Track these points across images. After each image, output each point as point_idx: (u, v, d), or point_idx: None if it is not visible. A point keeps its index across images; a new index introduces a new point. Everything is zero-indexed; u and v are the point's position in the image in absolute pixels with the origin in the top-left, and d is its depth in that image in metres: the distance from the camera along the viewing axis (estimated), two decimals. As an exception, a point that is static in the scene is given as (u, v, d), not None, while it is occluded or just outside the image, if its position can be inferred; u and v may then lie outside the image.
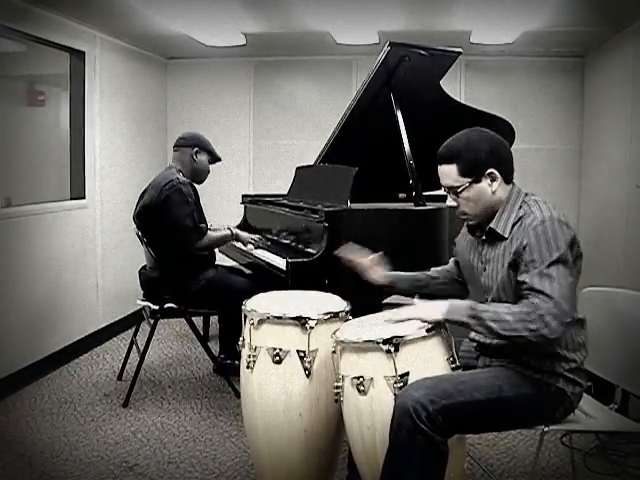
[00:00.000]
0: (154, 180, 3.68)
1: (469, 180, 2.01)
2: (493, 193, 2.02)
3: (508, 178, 2.05)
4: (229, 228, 3.78)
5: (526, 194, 2.05)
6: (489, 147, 2.02)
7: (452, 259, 2.42)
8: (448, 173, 2.04)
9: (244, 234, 3.79)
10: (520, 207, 2.01)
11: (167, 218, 3.50)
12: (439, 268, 2.47)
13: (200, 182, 3.80)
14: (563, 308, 1.81)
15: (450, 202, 2.12)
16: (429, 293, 2.41)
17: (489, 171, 2.01)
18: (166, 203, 3.50)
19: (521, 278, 1.90)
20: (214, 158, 3.82)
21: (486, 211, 2.05)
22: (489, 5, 3.83)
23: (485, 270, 2.09)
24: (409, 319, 2.06)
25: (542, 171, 5.41)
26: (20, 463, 2.85)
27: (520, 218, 1.98)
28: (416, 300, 2.20)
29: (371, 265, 2.46)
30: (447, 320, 1.99)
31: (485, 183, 2.02)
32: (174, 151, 3.79)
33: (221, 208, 5.20)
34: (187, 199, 3.54)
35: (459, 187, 2.02)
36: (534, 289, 1.85)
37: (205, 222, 3.77)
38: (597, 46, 4.97)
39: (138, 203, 3.72)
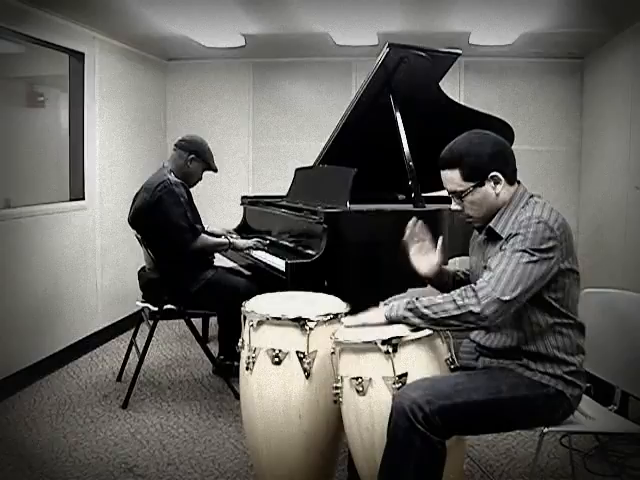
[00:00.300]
0: (146, 182, 3.69)
1: (472, 184, 2.01)
2: (497, 195, 2.03)
3: (511, 179, 2.06)
4: (227, 238, 3.78)
5: (531, 196, 2.05)
6: (491, 150, 2.02)
7: None
8: (451, 178, 2.04)
9: (241, 242, 3.78)
10: (522, 208, 2.01)
11: (161, 219, 3.51)
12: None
13: (189, 186, 3.78)
14: (502, 288, 1.82)
15: (455, 206, 2.10)
16: None
17: (492, 174, 2.01)
18: (159, 204, 3.52)
19: None
20: (209, 168, 3.83)
21: (491, 213, 2.05)
22: (488, 6, 3.83)
23: (485, 268, 2.09)
24: (362, 324, 2.09)
25: (541, 172, 5.41)
26: (19, 464, 2.84)
27: (516, 218, 1.98)
28: (381, 305, 2.20)
29: (434, 251, 2.29)
30: (391, 319, 2.01)
31: (489, 186, 2.02)
32: (173, 150, 3.80)
33: (221, 209, 5.21)
34: (179, 199, 3.55)
35: (463, 192, 2.02)
36: (489, 267, 1.89)
37: (200, 222, 3.77)
38: (596, 48, 4.98)
39: (132, 206, 3.73)
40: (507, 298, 1.82)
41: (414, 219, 2.31)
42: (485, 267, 2.06)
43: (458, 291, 1.90)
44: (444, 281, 2.32)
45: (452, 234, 3.29)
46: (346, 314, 2.35)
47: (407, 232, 2.29)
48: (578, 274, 2.00)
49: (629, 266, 4.20)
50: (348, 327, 2.12)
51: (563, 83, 5.46)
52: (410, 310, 1.95)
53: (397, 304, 2.01)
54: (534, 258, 1.85)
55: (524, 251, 1.86)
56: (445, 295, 1.92)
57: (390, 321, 2.02)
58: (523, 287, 1.84)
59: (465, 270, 2.41)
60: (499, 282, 1.83)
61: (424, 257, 2.29)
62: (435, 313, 1.89)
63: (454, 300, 1.87)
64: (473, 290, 1.86)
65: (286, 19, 4.33)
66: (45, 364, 4.02)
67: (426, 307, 1.91)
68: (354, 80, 5.61)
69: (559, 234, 1.90)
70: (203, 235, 3.65)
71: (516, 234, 1.90)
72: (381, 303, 2.21)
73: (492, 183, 2.02)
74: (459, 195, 2.04)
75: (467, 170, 2.00)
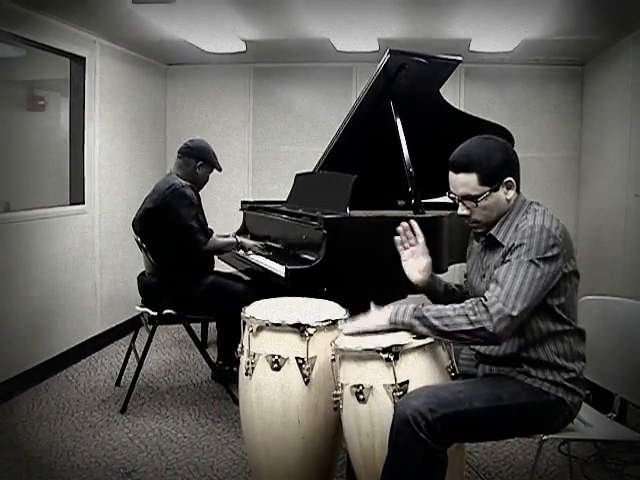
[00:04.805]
0: (156, 186, 3.70)
1: (488, 189, 2.00)
2: (507, 201, 2.03)
3: (519, 186, 2.06)
4: (235, 237, 3.82)
5: (531, 203, 2.05)
6: (506, 155, 2.02)
7: None
8: (466, 182, 2.01)
9: (249, 242, 3.82)
10: (523, 216, 2.01)
11: (173, 221, 3.52)
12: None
13: (198, 189, 3.81)
14: (512, 303, 1.81)
15: (462, 211, 2.08)
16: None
17: (507, 180, 2.01)
18: (170, 206, 3.52)
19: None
20: (214, 168, 3.85)
21: (498, 219, 2.05)
22: (488, 13, 3.84)
23: (484, 277, 2.09)
24: (360, 329, 2.07)
25: (541, 179, 5.41)
26: (18, 468, 2.84)
27: (517, 226, 1.98)
28: (372, 307, 2.16)
29: (424, 254, 2.30)
30: (394, 324, 1.99)
31: (502, 192, 2.02)
32: (178, 157, 3.79)
33: (219, 213, 5.20)
34: (191, 202, 3.57)
35: (478, 196, 2.01)
36: (496, 280, 1.86)
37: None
38: (596, 54, 4.99)
39: (139, 210, 3.73)
40: (516, 313, 1.81)
41: (404, 223, 2.30)
42: (485, 276, 2.07)
43: (469, 304, 1.86)
44: (434, 289, 2.29)
45: (451, 241, 3.29)
46: (345, 320, 2.35)
47: (398, 237, 2.29)
48: (579, 277, 2.00)
49: (628, 273, 4.20)
50: (348, 335, 2.10)
51: (563, 90, 5.47)
52: (417, 318, 1.92)
53: (402, 309, 1.98)
54: (540, 269, 1.85)
55: (530, 262, 1.85)
56: (455, 307, 1.88)
57: (393, 326, 1.99)
58: (531, 300, 1.84)
59: (457, 283, 2.39)
60: (508, 297, 1.81)
61: (415, 262, 2.28)
62: (446, 325, 1.86)
63: (466, 315, 1.84)
64: (484, 306, 1.83)
65: (287, 25, 4.34)
66: (44, 368, 4.02)
67: (436, 318, 1.88)
68: (354, 86, 5.62)
69: (561, 240, 1.91)
70: (214, 236, 3.68)
71: (520, 244, 1.89)
72: (374, 307, 2.13)
73: (505, 188, 2.02)
74: (473, 199, 2.02)
75: (485, 174, 1.99)
